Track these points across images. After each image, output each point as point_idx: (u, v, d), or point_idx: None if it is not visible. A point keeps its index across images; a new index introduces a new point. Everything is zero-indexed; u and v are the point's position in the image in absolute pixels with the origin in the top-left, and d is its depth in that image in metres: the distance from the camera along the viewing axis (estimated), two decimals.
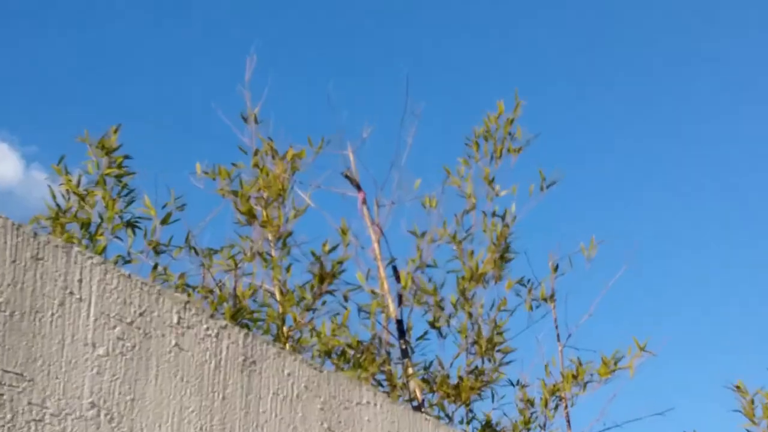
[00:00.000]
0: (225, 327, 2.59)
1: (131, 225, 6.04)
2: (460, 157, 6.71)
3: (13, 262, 2.23)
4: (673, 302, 10.27)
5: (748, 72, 11.13)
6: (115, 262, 6.01)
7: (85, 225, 5.91)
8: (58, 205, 5.89)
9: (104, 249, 5.97)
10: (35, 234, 2.29)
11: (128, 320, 2.40)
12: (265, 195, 6.18)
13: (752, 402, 6.36)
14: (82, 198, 5.91)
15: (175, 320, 2.49)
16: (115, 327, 2.37)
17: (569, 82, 11.22)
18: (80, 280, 2.33)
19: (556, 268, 6.66)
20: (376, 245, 6.44)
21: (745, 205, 11.11)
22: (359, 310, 6.31)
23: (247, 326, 6.01)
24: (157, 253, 6.18)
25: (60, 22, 11.66)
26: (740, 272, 10.69)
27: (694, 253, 10.85)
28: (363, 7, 11.48)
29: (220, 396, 2.53)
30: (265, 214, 6.14)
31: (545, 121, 9.54)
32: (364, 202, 6.52)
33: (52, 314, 2.27)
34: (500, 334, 6.37)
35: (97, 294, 2.35)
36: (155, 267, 6.14)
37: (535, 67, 11.14)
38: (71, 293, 2.31)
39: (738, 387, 6.41)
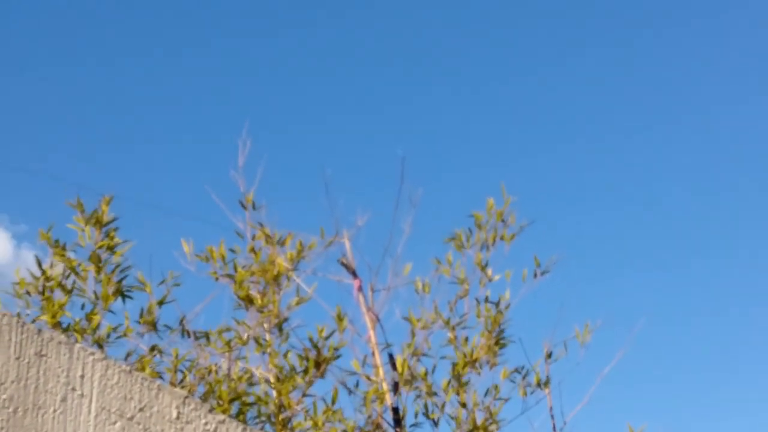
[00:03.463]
0: (223, 422, 2.62)
1: (123, 295, 6.01)
2: (452, 241, 6.73)
3: (17, 358, 2.27)
4: (675, 385, 10.27)
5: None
6: (108, 335, 6.01)
7: (71, 292, 5.90)
8: (43, 272, 5.86)
9: (98, 326, 5.97)
10: (39, 330, 2.33)
11: (129, 415, 2.42)
12: (259, 280, 6.23)
13: None
14: (73, 270, 5.92)
15: (174, 415, 2.52)
16: (115, 422, 2.40)
17: (566, 166, 11.32)
18: (82, 376, 2.37)
19: (549, 355, 6.67)
20: (371, 332, 6.46)
21: (741, 279, 11.17)
22: (350, 394, 6.33)
23: (243, 412, 6.02)
24: (153, 330, 6.18)
25: (54, 99, 11.77)
26: (740, 350, 10.72)
27: (695, 334, 10.88)
28: (358, 88, 11.63)
29: None
30: (260, 300, 6.19)
31: (546, 206, 9.61)
32: (360, 289, 6.54)
33: (54, 410, 2.30)
34: (495, 422, 6.38)
35: (98, 390, 2.39)
36: (152, 349, 6.16)
37: (533, 150, 11.24)
38: (73, 389, 2.34)
39: None
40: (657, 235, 11.36)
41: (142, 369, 5.85)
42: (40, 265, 5.91)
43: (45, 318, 5.72)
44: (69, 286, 5.91)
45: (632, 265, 10.96)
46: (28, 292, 5.87)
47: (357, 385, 6.31)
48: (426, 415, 6.38)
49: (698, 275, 11.10)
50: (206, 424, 2.58)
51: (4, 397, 2.23)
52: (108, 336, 6.00)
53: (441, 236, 6.80)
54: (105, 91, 11.79)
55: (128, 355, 6.05)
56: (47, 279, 5.88)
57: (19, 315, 3.58)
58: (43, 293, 5.85)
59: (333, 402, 6.20)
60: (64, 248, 5.92)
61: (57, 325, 5.77)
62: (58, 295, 5.87)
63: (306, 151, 10.60)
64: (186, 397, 2.56)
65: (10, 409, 2.23)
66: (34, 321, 5.69)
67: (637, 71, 11.83)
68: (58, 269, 5.94)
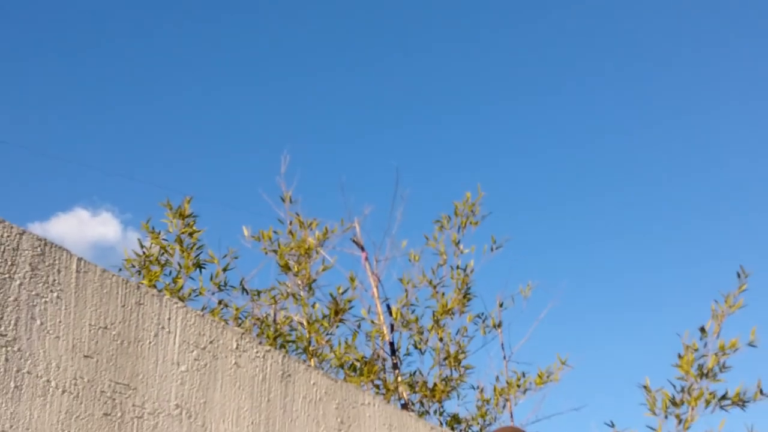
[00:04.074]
0: (269, 350, 2.66)
1: (199, 266, 6.05)
2: (438, 222, 6.81)
3: (123, 306, 2.31)
4: (592, 327, 10.28)
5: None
6: (189, 295, 6.04)
7: (164, 265, 5.93)
8: (144, 251, 5.90)
9: (182, 287, 6.01)
10: (138, 286, 2.38)
11: (202, 346, 2.46)
12: (295, 253, 6.28)
13: (654, 397, 6.26)
14: (164, 248, 5.95)
15: (234, 346, 2.56)
16: (192, 351, 2.44)
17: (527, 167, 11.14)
18: (169, 318, 2.41)
19: (501, 305, 6.75)
20: (375, 289, 6.52)
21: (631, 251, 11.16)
22: (364, 335, 6.40)
23: (284, 346, 6.07)
24: (220, 290, 6.22)
25: (150, 123, 11.75)
26: (627, 300, 10.72)
27: (602, 292, 10.88)
28: (364, 114, 11.58)
29: (266, 399, 2.59)
30: (296, 267, 6.24)
31: (501, 197, 9.58)
32: (367, 259, 6.62)
33: (149, 342, 2.34)
34: (463, 352, 6.45)
35: (180, 328, 2.42)
36: (220, 302, 6.20)
37: (499, 155, 11.08)
38: (163, 327, 2.38)
39: (645, 386, 6.33)
40: (575, 222, 11.32)
41: (213, 317, 5.87)
42: (141, 245, 5.96)
43: (144, 282, 5.75)
44: (161, 260, 5.95)
45: (559, 242, 10.95)
46: (132, 265, 5.91)
47: (359, 325, 6.38)
48: (415, 346, 6.46)
49: (603, 250, 11.09)
50: (257, 352, 2.62)
51: (114, 333, 2.27)
52: (189, 294, 6.04)
53: (425, 222, 6.88)
54: (190, 117, 11.75)
55: (203, 308, 6.08)
56: (146, 255, 5.93)
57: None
58: (144, 265, 5.90)
59: (353, 339, 6.25)
60: (158, 234, 5.97)
61: (153, 287, 5.80)
62: (154, 267, 5.91)
63: (327, 161, 10.59)
64: (243, 333, 2.60)
65: (118, 341, 2.27)
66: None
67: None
68: (153, 248, 5.98)
